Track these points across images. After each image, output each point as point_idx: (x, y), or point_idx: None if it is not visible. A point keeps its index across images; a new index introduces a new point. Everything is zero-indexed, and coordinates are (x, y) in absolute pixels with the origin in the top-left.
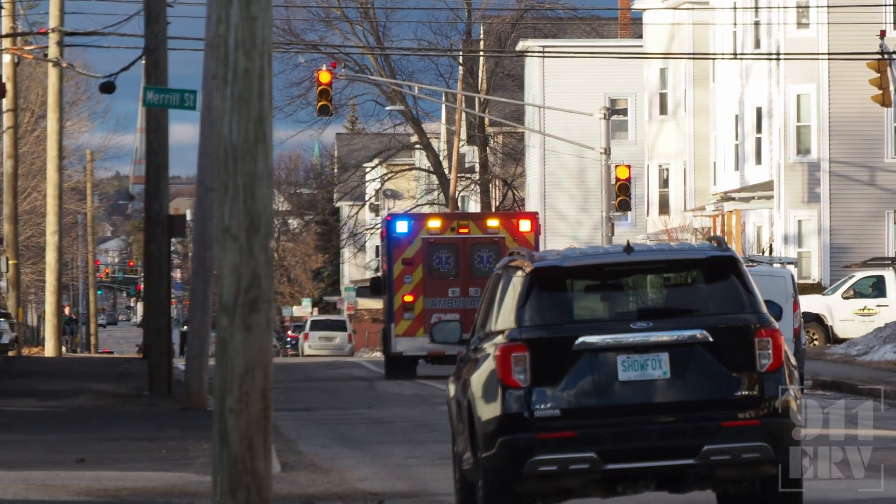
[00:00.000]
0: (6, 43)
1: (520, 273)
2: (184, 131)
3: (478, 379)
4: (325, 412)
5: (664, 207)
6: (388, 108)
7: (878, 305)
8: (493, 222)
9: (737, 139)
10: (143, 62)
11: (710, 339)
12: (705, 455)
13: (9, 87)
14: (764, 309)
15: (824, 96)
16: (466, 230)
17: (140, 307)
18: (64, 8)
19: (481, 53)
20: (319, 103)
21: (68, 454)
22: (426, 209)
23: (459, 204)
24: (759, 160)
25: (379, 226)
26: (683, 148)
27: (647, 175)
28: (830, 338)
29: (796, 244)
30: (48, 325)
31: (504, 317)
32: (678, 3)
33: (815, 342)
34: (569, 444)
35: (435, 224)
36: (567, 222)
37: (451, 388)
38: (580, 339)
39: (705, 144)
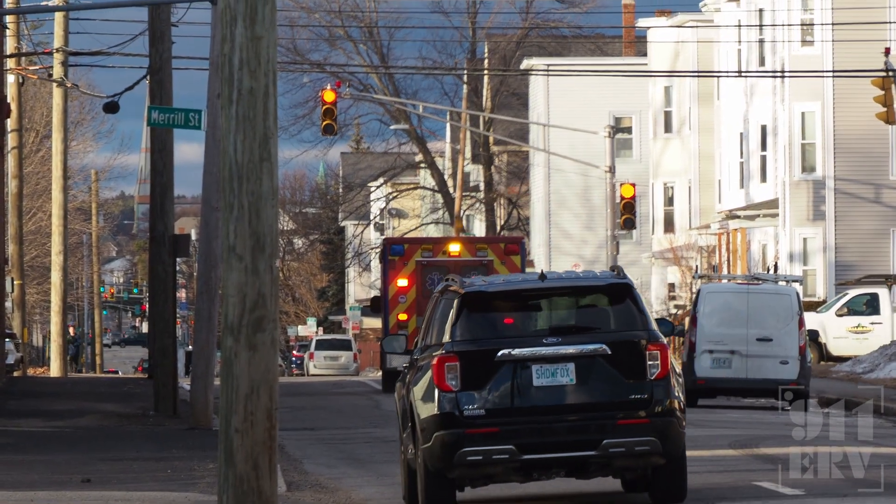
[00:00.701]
0: (10, 63)
1: (453, 296)
2: (189, 151)
3: (418, 384)
4: (331, 431)
5: (669, 226)
6: (392, 127)
7: (872, 323)
8: (481, 246)
9: (742, 157)
10: (148, 82)
11: (609, 352)
12: (605, 448)
13: (13, 107)
14: (654, 326)
15: (829, 114)
16: (457, 254)
17: (145, 327)
18: (68, 28)
19: (486, 72)
20: (324, 122)
21: (74, 474)
22: (431, 228)
23: (464, 223)
24: (763, 178)
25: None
26: (688, 166)
27: (651, 193)
28: (824, 355)
29: (801, 262)
30: (53, 345)
31: (440, 332)
32: (682, 21)
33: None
34: (492, 438)
35: (428, 248)
36: (572, 241)
37: (398, 391)
38: (502, 352)
39: (710, 162)
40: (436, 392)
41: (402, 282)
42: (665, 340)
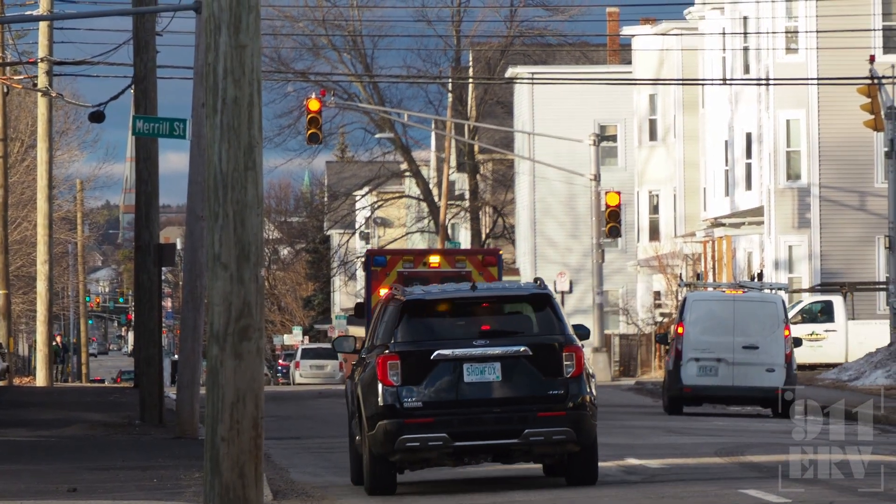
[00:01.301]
0: None
1: (397, 303)
2: (174, 160)
3: (365, 379)
4: (317, 440)
5: (654, 233)
6: (377, 135)
7: (827, 331)
8: (460, 258)
9: (727, 165)
10: (133, 91)
11: (530, 353)
12: (526, 436)
13: None
14: (570, 331)
15: (814, 121)
16: (437, 265)
17: (131, 336)
18: (53, 37)
19: (470, 80)
20: (309, 131)
21: (60, 484)
22: (416, 237)
23: (450, 231)
24: (749, 186)
25: None
26: (673, 174)
27: (637, 201)
28: None
29: (787, 269)
30: (39, 354)
31: (384, 334)
32: (667, 30)
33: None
34: (428, 427)
35: (409, 259)
36: (557, 249)
37: (348, 385)
38: (437, 352)
39: (695, 170)
40: (379, 386)
41: (385, 291)
42: (580, 344)
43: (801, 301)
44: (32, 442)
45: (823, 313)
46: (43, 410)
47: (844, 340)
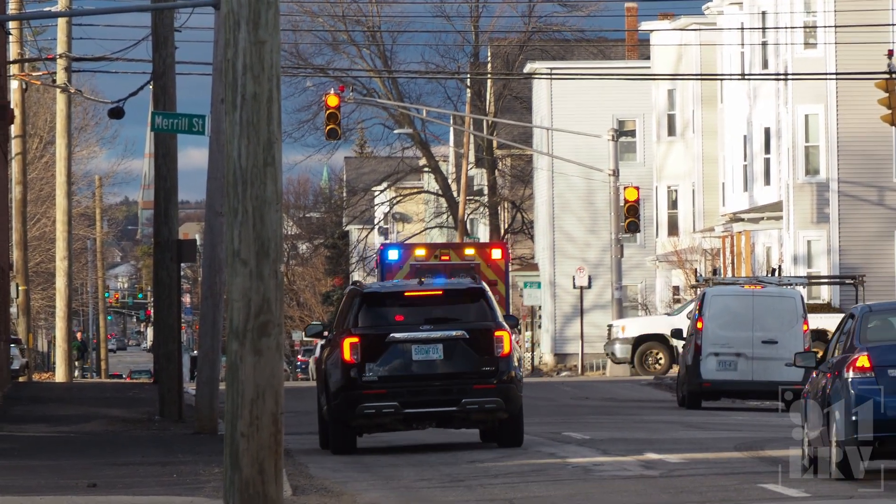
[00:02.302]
0: (14, 69)
1: (357, 295)
2: (193, 156)
3: (331, 357)
4: None
5: (673, 229)
6: (396, 131)
7: None
8: (469, 251)
9: (745, 160)
10: (152, 87)
11: (467, 336)
12: (464, 405)
13: (17, 113)
14: (500, 319)
15: (832, 116)
16: (447, 258)
17: (150, 332)
18: (71, 33)
19: (489, 76)
20: (328, 127)
21: (79, 479)
22: (435, 232)
23: (468, 227)
24: (767, 181)
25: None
26: (692, 169)
27: (655, 196)
28: (676, 358)
29: (806, 264)
30: (58, 350)
31: (347, 320)
32: (685, 25)
33: (659, 364)
34: (382, 397)
35: (421, 252)
36: (576, 244)
37: (317, 364)
38: (390, 335)
39: (714, 165)
40: (342, 363)
41: None
42: (509, 329)
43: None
44: (52, 437)
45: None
46: (62, 406)
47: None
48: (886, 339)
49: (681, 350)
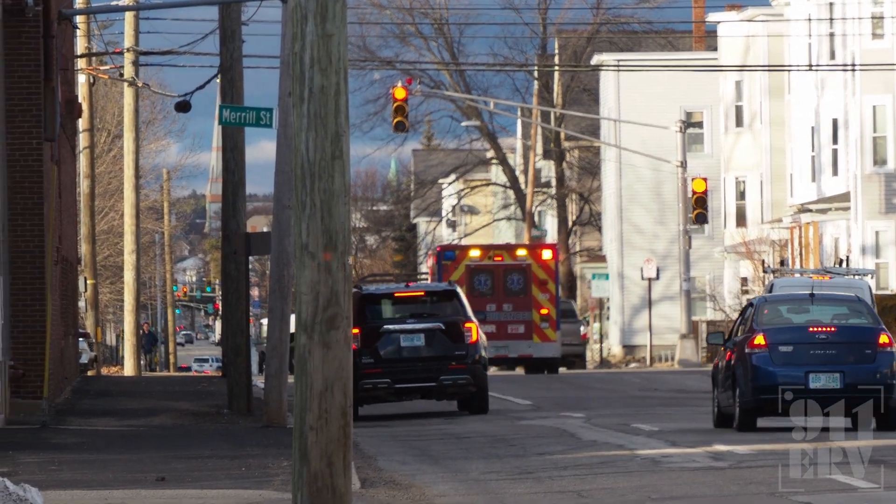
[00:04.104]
0: (82, 63)
1: (357, 296)
2: (260, 149)
3: None
4: (404, 428)
5: (741, 220)
6: (463, 123)
7: None
8: (521, 252)
9: (813, 151)
10: (219, 81)
11: (444, 328)
12: (441, 381)
13: (85, 107)
14: (470, 314)
15: None
16: (501, 258)
17: (218, 325)
18: (139, 27)
19: (556, 68)
20: (395, 119)
21: (148, 472)
22: (503, 224)
23: (536, 219)
24: (835, 171)
25: (453, 241)
26: (760, 160)
27: (723, 187)
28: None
29: (874, 255)
30: (127, 344)
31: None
32: (753, 16)
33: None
34: (378, 375)
35: (475, 254)
36: (644, 236)
37: None
38: (384, 326)
39: (781, 156)
40: None
41: (454, 283)
42: (477, 322)
43: None
44: (121, 431)
45: None
46: (131, 400)
47: None
48: (778, 323)
49: None
